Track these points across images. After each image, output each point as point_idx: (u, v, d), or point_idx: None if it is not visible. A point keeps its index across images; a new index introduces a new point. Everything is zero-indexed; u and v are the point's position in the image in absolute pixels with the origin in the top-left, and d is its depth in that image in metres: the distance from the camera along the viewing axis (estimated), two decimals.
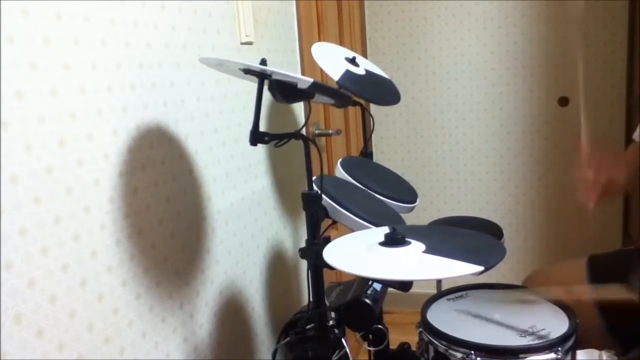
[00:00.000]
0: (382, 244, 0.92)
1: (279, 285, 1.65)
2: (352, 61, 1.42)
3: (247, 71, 0.96)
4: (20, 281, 0.73)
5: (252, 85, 0.97)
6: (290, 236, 1.74)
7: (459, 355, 1.01)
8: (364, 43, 2.61)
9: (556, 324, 1.06)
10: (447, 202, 2.68)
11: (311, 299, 1.10)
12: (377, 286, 1.32)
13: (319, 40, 1.98)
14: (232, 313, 1.35)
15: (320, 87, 0.95)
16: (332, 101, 1.09)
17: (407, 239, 0.92)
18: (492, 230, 1.67)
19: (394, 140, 2.70)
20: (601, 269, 1.28)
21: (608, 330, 1.20)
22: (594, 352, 1.14)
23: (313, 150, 1.04)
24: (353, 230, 1.12)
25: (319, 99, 1.06)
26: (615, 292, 1.11)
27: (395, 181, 1.57)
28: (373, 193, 1.37)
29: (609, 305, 1.21)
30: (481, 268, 0.82)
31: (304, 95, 0.98)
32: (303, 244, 1.08)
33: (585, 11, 2.33)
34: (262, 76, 0.95)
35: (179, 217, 1.12)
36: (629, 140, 2.37)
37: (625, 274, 1.21)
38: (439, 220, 1.85)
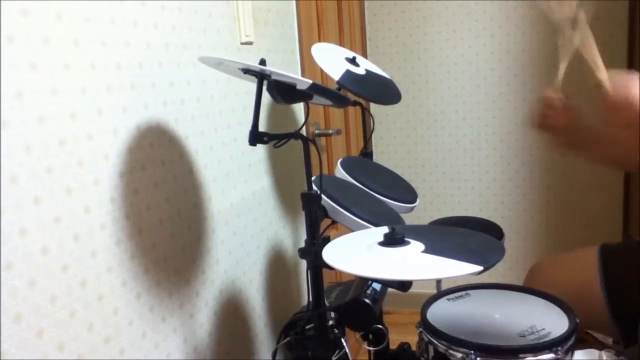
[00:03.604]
0: (382, 243, 0.92)
1: (279, 285, 1.65)
2: (353, 61, 1.42)
3: (247, 71, 0.96)
4: (20, 281, 0.74)
5: (252, 85, 0.97)
6: (290, 236, 1.74)
7: (459, 355, 1.01)
8: (364, 43, 2.61)
9: (556, 324, 1.06)
10: (447, 202, 2.68)
11: (311, 299, 1.11)
12: (377, 286, 1.32)
13: (319, 40, 1.98)
14: (232, 313, 1.35)
15: (319, 89, 0.95)
16: (330, 102, 1.09)
17: (406, 239, 0.92)
18: (492, 230, 1.67)
19: (394, 140, 2.70)
20: (614, 258, 1.27)
21: (613, 319, 1.20)
22: (594, 352, 1.14)
23: (313, 150, 1.04)
24: (352, 230, 1.12)
25: (318, 100, 1.06)
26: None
27: (395, 181, 1.57)
28: (373, 193, 1.37)
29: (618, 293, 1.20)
30: (480, 268, 0.82)
31: (303, 96, 0.97)
32: (303, 244, 1.08)
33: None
34: (261, 76, 0.94)
35: (179, 217, 1.12)
36: None
37: (639, 262, 1.19)
38: (439, 220, 1.85)
